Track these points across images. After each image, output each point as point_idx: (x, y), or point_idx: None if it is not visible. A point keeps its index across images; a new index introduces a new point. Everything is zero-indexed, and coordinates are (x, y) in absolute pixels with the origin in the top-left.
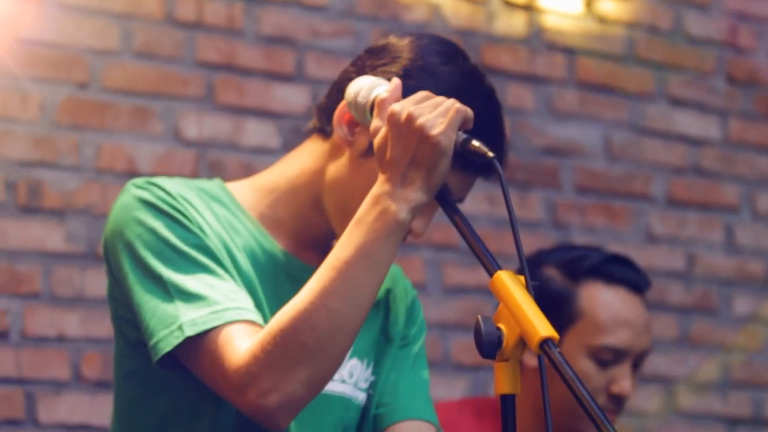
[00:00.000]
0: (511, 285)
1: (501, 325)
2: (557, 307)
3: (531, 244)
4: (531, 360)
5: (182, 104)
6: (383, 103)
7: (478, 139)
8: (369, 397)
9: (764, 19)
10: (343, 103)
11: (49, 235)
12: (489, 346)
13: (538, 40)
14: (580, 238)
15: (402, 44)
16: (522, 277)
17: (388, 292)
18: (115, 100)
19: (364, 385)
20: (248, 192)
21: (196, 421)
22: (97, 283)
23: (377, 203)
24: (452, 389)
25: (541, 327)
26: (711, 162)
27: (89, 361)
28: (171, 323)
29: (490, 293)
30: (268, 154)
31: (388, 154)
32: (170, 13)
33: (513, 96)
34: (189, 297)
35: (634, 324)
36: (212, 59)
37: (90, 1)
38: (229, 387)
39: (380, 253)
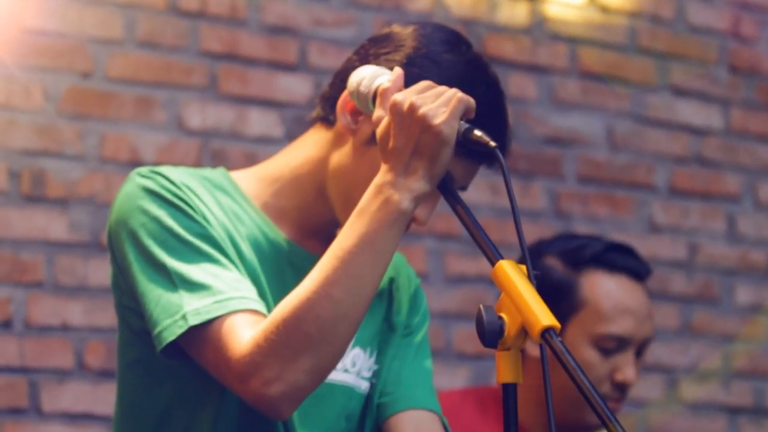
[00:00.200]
0: (512, 274)
1: (503, 314)
2: (559, 296)
3: (533, 233)
4: (533, 349)
5: (185, 94)
6: (386, 93)
7: (481, 127)
8: (372, 386)
9: (766, 9)
10: (346, 92)
11: (53, 224)
12: (491, 335)
13: (540, 29)
14: (582, 228)
15: (405, 33)
16: (524, 267)
17: (392, 280)
18: (119, 90)
19: (367, 374)
20: (252, 181)
21: (200, 410)
22: (100, 272)
23: (380, 193)
24: (454, 378)
25: (543, 316)
26: (713, 151)
27: (92, 350)
28: (175, 312)
29: (491, 282)
30: (271, 144)
31: (390, 144)
32: (173, 3)
33: (515, 85)
34: (193, 286)
35: (637, 312)
36: (215, 49)
37: None
38: (233, 376)
39: (383, 243)
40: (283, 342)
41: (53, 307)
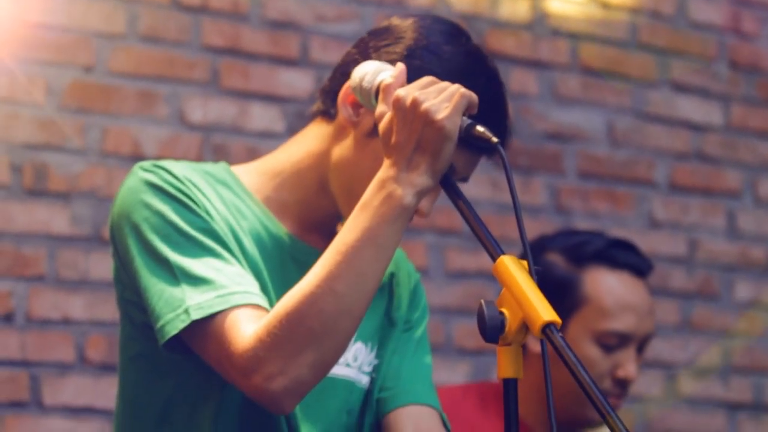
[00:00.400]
0: (514, 270)
1: (504, 310)
2: (562, 292)
3: (534, 229)
4: (535, 345)
5: (187, 88)
6: (388, 88)
7: (482, 119)
8: (372, 381)
9: (767, 5)
10: (347, 84)
11: (55, 218)
12: (492, 330)
13: (541, 25)
14: (582, 224)
15: (405, 25)
16: (525, 262)
17: (392, 275)
18: (121, 84)
19: (368, 368)
20: (254, 175)
21: (202, 404)
22: (102, 266)
23: (383, 187)
24: (455, 374)
25: (544, 311)
26: (713, 148)
27: (94, 344)
28: (177, 306)
29: (492, 278)
30: (272, 138)
31: (393, 139)
32: None
33: (516, 81)
34: (195, 280)
35: (639, 308)
36: (217, 43)
37: None
38: (235, 370)
39: (386, 237)
40: (286, 336)
41: (55, 301)
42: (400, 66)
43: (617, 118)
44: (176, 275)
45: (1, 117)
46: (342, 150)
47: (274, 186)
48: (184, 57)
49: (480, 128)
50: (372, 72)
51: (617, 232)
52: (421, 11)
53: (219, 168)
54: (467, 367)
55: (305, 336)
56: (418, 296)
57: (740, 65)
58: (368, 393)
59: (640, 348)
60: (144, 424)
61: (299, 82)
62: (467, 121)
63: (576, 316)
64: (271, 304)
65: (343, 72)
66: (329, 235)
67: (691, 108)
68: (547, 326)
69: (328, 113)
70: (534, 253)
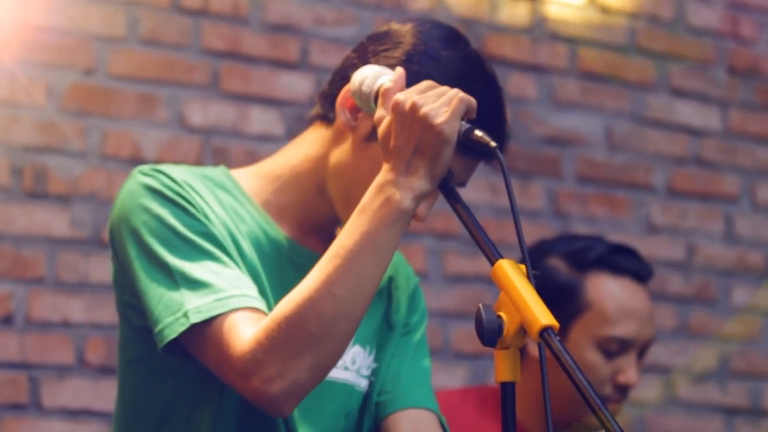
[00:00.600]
0: (512, 273)
1: (502, 314)
2: (564, 297)
3: (532, 233)
4: (534, 349)
5: (187, 91)
6: (387, 93)
7: (480, 123)
8: (371, 384)
9: (765, 10)
10: (346, 88)
11: (55, 221)
12: (490, 334)
13: (540, 29)
14: (580, 228)
15: (404, 30)
16: (523, 266)
17: (391, 279)
18: (121, 87)
19: (367, 372)
20: (252, 179)
21: (200, 407)
22: (101, 268)
23: (381, 191)
24: (452, 377)
25: (542, 315)
26: (711, 152)
27: (93, 347)
28: (176, 310)
29: (490, 282)
30: (272, 142)
31: (392, 143)
32: (176, 1)
33: (515, 85)
34: (194, 284)
35: (640, 314)
36: (217, 47)
37: None
38: (234, 374)
39: (384, 241)
40: (284, 340)
41: (54, 304)
42: (400, 71)
43: (616, 123)
44: (175, 279)
45: (1, 119)
46: (340, 154)
47: (273, 190)
48: (184, 60)
49: (478, 133)
50: (371, 76)
51: (615, 236)
52: (420, 16)
53: (218, 172)
54: (465, 370)
55: (303, 339)
56: (417, 300)
57: (738, 70)
58: (367, 396)
59: (641, 353)
60: (143, 427)
61: (299, 86)
62: (466, 125)
63: (578, 321)
64: (270, 308)
65: (342, 76)
66: (328, 238)
67: (689, 113)
68: (545, 330)
69: (326, 117)
70: (535, 258)
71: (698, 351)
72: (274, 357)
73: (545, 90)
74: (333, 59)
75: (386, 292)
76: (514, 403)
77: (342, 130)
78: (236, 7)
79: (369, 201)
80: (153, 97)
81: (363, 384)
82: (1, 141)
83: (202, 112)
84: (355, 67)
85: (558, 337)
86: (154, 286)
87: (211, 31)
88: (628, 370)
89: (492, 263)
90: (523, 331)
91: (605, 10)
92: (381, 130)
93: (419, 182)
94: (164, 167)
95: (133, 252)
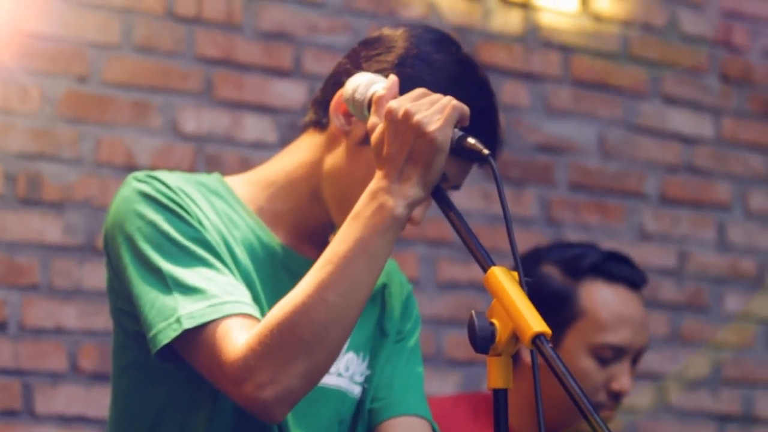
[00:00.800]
0: (504, 281)
1: (494, 321)
2: (558, 305)
3: (525, 240)
4: (527, 356)
5: (181, 99)
6: (381, 100)
7: (473, 127)
8: (364, 391)
9: (758, 18)
10: (339, 93)
11: (48, 228)
12: (482, 340)
13: (533, 37)
14: (573, 236)
15: (396, 34)
16: (515, 273)
17: (384, 286)
18: (115, 94)
19: (360, 378)
20: (246, 186)
21: (194, 413)
22: (95, 275)
23: (374, 198)
24: (445, 384)
25: (534, 322)
26: (704, 160)
27: (86, 353)
28: (169, 316)
29: (483, 289)
30: (265, 149)
31: (385, 150)
32: (170, 8)
33: (508, 93)
34: (188, 290)
35: (634, 321)
36: (211, 54)
37: None
38: (227, 379)
39: (377, 248)
40: (277, 346)
41: (48, 310)
42: (393, 78)
43: (608, 130)
44: (168, 284)
45: None
46: (334, 159)
47: (267, 196)
48: (177, 68)
49: (471, 140)
50: (365, 84)
51: (608, 244)
52: (413, 23)
53: (212, 179)
54: (458, 377)
55: (296, 345)
56: (410, 307)
57: (731, 78)
58: (360, 403)
59: (635, 361)
60: None
61: (292, 93)
62: (459, 132)
63: (572, 328)
64: (263, 314)
65: (334, 82)
66: (321, 245)
67: (681, 120)
68: (537, 337)
69: (320, 123)
70: (529, 265)
71: (691, 358)
72: (267, 363)
73: (538, 98)
74: (326, 67)
75: (380, 299)
76: (507, 410)
77: (336, 135)
78: (230, 15)
79: (362, 208)
80: (147, 104)
81: (356, 391)
82: None
83: (196, 120)
84: (348, 73)
85: (550, 344)
86: (147, 292)
87: (205, 39)
88: (621, 377)
89: (484, 270)
90: (515, 338)
91: (598, 18)
92: (374, 137)
93: (412, 189)
94: (159, 174)
95: (127, 257)
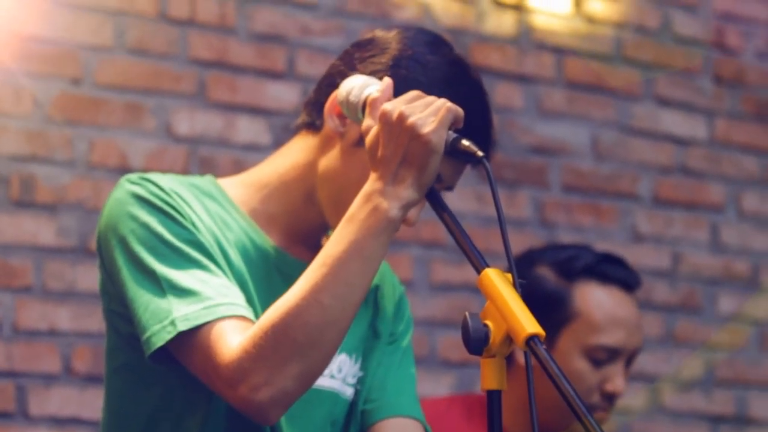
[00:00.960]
0: (498, 282)
1: (488, 322)
2: (552, 306)
3: (518, 242)
4: (521, 357)
5: (174, 101)
6: (375, 102)
7: (466, 127)
8: (357, 393)
9: (751, 20)
10: (333, 95)
11: (42, 230)
12: (476, 342)
13: (527, 39)
14: (567, 237)
15: (389, 36)
16: (509, 275)
17: (377, 288)
18: (108, 96)
19: (353, 380)
20: (240, 188)
21: (188, 415)
22: (88, 277)
23: (369, 201)
24: (439, 386)
25: (528, 324)
26: (697, 162)
27: (80, 355)
28: (164, 318)
29: (477, 290)
30: (259, 151)
31: (379, 153)
32: (163, 11)
33: (501, 95)
34: (181, 292)
35: (628, 323)
36: (204, 56)
37: None
38: (221, 382)
39: (371, 250)
40: (271, 348)
41: (41, 312)
42: (387, 80)
43: (602, 132)
44: (162, 287)
45: None
46: (329, 160)
47: (261, 198)
48: (171, 70)
49: (465, 142)
50: (359, 86)
51: (601, 245)
52: (407, 24)
53: (205, 181)
54: (451, 379)
55: (290, 347)
56: (403, 309)
57: (724, 79)
58: (353, 405)
59: (628, 362)
60: None
61: (286, 95)
62: (453, 135)
63: (566, 330)
64: (257, 316)
65: (328, 84)
66: (315, 247)
67: (675, 122)
68: (531, 338)
69: (313, 125)
70: (523, 266)
71: (686, 360)
72: (261, 365)
73: (531, 99)
74: (320, 69)
75: (372, 301)
76: (500, 411)
77: (330, 136)
78: (223, 17)
79: (356, 210)
80: (140, 106)
81: (349, 392)
82: None
83: (189, 122)
84: (342, 75)
85: (544, 346)
86: (141, 294)
87: (198, 41)
88: (615, 378)
89: (478, 272)
90: (509, 339)
91: (591, 20)
92: (369, 139)
93: (406, 191)
94: (152, 176)
95: (120, 260)
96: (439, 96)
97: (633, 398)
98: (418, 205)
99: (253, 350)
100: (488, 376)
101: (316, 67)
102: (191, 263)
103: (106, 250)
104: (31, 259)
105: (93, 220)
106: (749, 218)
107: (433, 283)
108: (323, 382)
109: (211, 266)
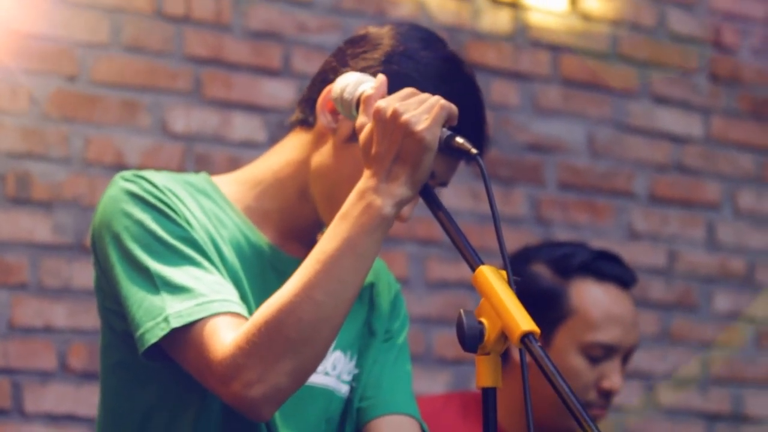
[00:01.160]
0: (493, 280)
1: (483, 320)
2: (548, 303)
3: (514, 240)
4: (517, 355)
5: (170, 98)
6: (369, 100)
7: (459, 122)
8: (352, 390)
9: (748, 18)
10: (325, 91)
11: (37, 227)
12: (471, 339)
13: (522, 37)
14: (562, 235)
15: (382, 32)
16: (504, 273)
17: (372, 285)
18: (104, 93)
19: (347, 377)
20: (234, 185)
21: (182, 412)
22: (84, 274)
23: (362, 198)
24: (434, 383)
25: (523, 321)
26: (693, 159)
27: (75, 352)
28: (157, 315)
29: (472, 288)
30: (254, 148)
31: (373, 150)
32: (159, 8)
33: (497, 92)
34: (175, 289)
35: (624, 320)
36: (200, 53)
37: None
38: (214, 378)
39: (365, 247)
40: (264, 344)
41: (37, 309)
42: (381, 78)
43: (597, 130)
44: (156, 284)
45: None
46: (321, 156)
47: (255, 195)
48: (166, 67)
49: (459, 140)
50: (353, 83)
51: (597, 243)
52: (400, 21)
53: (199, 178)
54: (447, 376)
55: (284, 344)
56: (398, 306)
57: (720, 77)
58: (348, 402)
59: (625, 359)
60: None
61: (281, 93)
62: (447, 132)
63: (562, 327)
64: (251, 313)
65: (321, 80)
66: (309, 244)
67: (671, 120)
68: (526, 336)
69: (306, 122)
70: (519, 264)
71: (682, 359)
72: (255, 361)
73: (527, 97)
74: (315, 66)
75: (367, 298)
76: (496, 409)
77: (323, 132)
78: (219, 14)
79: (350, 207)
80: (136, 103)
81: (344, 389)
82: None
83: (185, 119)
84: (335, 71)
85: (539, 343)
86: (135, 291)
87: (194, 38)
88: (612, 375)
89: (473, 269)
90: (504, 337)
91: (587, 18)
92: (362, 137)
93: (400, 189)
94: (146, 173)
95: (114, 257)
96: (432, 92)
97: (629, 396)
98: (412, 201)
99: (246, 347)
100: (483, 373)
101: (312, 65)
102: (185, 260)
103: (100, 248)
104: (27, 256)
105: (89, 217)
106: (745, 216)
107: (428, 280)
108: (317, 379)
109: (205, 263)
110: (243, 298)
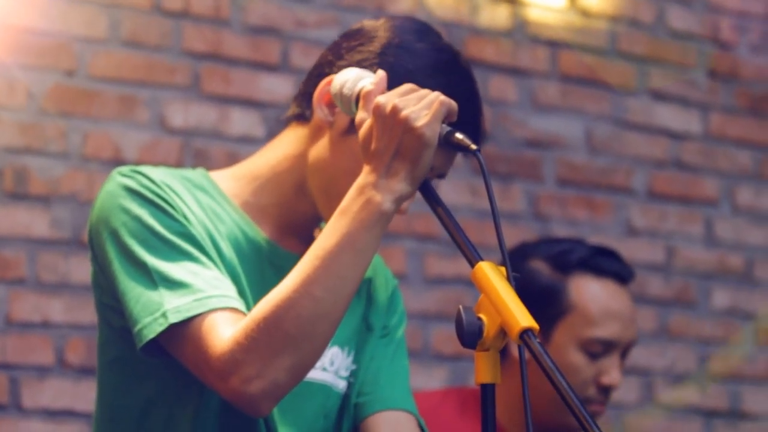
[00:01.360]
0: (492, 276)
1: (482, 316)
2: (547, 300)
3: (512, 235)
4: (516, 351)
5: (168, 93)
6: (368, 95)
7: (456, 114)
8: (350, 386)
9: (746, 14)
10: (322, 84)
11: (35, 222)
12: (470, 335)
13: (521, 32)
14: (561, 231)
15: (377, 25)
16: (503, 268)
17: (370, 281)
18: (102, 88)
19: (345, 373)
20: (231, 180)
21: (180, 407)
22: (81, 269)
23: (362, 193)
24: (432, 379)
25: (522, 317)
26: (692, 156)
27: (73, 347)
28: (155, 310)
29: (471, 284)
30: (252, 143)
31: (372, 146)
32: (157, 3)
33: (496, 88)
34: (173, 284)
35: (623, 316)
36: (198, 48)
37: None
38: (213, 374)
39: (364, 243)
40: (263, 340)
41: (35, 304)
42: (381, 73)
43: (596, 126)
44: (154, 279)
45: None
46: (319, 150)
47: (252, 190)
48: (165, 62)
49: (459, 135)
50: (352, 79)
51: (595, 239)
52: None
53: (197, 173)
54: (445, 372)
55: (282, 339)
56: (396, 302)
57: (719, 74)
58: (346, 398)
59: (623, 355)
60: (123, 428)
61: (279, 88)
62: (446, 128)
63: (561, 323)
64: (249, 309)
65: (317, 74)
66: (307, 240)
67: (669, 116)
68: (525, 332)
69: (303, 116)
70: (517, 260)
71: (680, 355)
72: (253, 357)
73: (526, 93)
74: (314, 61)
75: (365, 294)
76: (494, 405)
77: (319, 126)
78: (217, 9)
79: (349, 203)
80: (134, 98)
81: (341, 385)
82: None
83: (183, 114)
84: (330, 65)
85: (538, 339)
86: (132, 287)
87: (192, 33)
88: (611, 371)
89: (472, 265)
90: (503, 333)
91: (586, 14)
92: (362, 132)
93: (400, 185)
94: (143, 168)
95: (112, 252)
96: (428, 83)
97: (627, 392)
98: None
99: (244, 342)
100: (482, 369)
101: (310, 60)
102: (183, 255)
103: (97, 243)
104: (25, 251)
105: (86, 212)
106: (743, 212)
107: (426, 276)
108: (315, 374)
109: (203, 258)
110: (241, 293)
